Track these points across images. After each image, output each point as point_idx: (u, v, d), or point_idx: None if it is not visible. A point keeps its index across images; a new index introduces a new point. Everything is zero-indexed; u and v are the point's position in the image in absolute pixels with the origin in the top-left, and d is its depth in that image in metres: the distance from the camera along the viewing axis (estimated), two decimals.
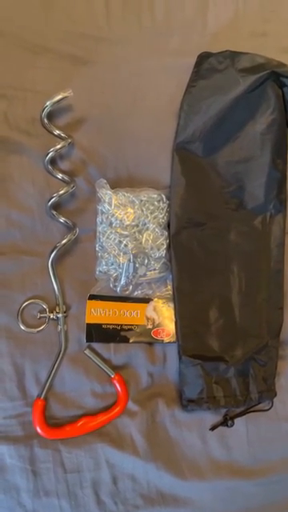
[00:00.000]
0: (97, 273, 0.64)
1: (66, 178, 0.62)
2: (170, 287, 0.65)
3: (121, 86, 0.67)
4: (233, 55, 0.66)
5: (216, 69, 0.66)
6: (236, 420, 0.64)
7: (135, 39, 0.69)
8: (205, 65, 0.66)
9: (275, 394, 0.64)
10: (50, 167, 0.62)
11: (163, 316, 0.64)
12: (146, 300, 0.64)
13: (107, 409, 0.62)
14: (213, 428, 0.63)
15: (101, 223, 0.64)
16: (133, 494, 0.62)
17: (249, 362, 0.63)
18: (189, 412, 0.63)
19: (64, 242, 0.61)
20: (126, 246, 0.63)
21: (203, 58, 0.67)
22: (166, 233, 0.65)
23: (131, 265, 0.63)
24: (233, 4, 0.71)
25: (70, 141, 0.62)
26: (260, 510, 0.64)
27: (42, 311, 0.62)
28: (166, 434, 0.63)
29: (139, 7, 0.69)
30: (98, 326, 0.63)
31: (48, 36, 0.66)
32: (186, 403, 0.62)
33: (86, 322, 0.63)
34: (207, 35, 0.70)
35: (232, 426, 0.63)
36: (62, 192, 0.61)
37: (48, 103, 0.60)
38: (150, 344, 0.64)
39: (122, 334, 0.63)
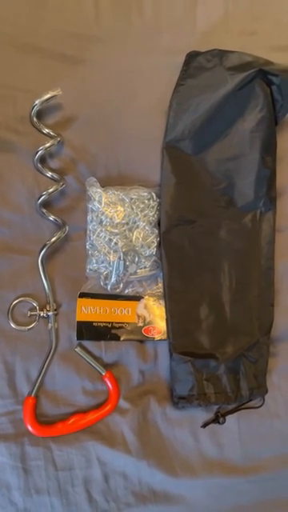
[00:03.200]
0: (87, 271, 0.64)
1: (55, 176, 0.62)
2: (160, 285, 0.65)
3: (111, 85, 0.67)
4: (221, 54, 0.67)
5: (204, 67, 0.67)
6: (228, 417, 0.64)
7: (125, 38, 0.69)
8: (193, 63, 0.67)
9: (266, 391, 0.64)
10: (39, 165, 0.62)
11: (154, 314, 0.64)
12: (136, 298, 0.64)
13: (98, 407, 0.62)
14: (204, 425, 0.63)
15: (91, 221, 0.64)
16: (124, 492, 0.61)
17: (239, 359, 0.63)
18: (180, 409, 0.63)
19: (53, 239, 0.61)
20: (116, 244, 0.63)
21: (192, 56, 0.67)
22: (157, 231, 0.65)
23: (121, 263, 0.63)
24: (222, 3, 0.72)
25: (59, 139, 0.62)
26: (252, 507, 0.64)
27: (33, 309, 0.62)
28: (158, 432, 0.63)
29: (128, 6, 0.70)
30: (89, 323, 0.63)
31: (38, 35, 0.67)
32: (177, 400, 0.62)
33: (77, 319, 0.63)
34: (197, 34, 0.70)
35: (223, 423, 0.63)
36: (51, 190, 0.61)
37: (37, 102, 0.61)
38: (141, 342, 0.64)
39: (113, 331, 0.63)
